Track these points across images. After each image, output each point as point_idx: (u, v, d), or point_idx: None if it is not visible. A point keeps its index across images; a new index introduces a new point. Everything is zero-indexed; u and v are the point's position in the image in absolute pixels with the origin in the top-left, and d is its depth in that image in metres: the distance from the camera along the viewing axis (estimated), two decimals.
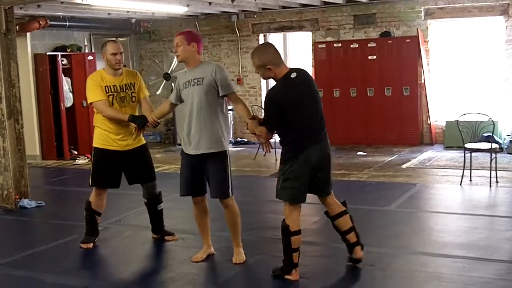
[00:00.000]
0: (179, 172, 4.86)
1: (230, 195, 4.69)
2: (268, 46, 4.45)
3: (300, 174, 4.21)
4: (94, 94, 5.11)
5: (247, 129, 4.53)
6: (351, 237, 4.51)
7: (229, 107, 4.67)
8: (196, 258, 4.87)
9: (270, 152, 4.43)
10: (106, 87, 5.11)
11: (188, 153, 4.69)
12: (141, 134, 5.19)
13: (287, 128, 4.24)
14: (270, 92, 4.31)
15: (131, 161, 5.27)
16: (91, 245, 5.38)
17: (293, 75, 4.25)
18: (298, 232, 4.28)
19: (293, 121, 4.20)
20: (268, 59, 4.24)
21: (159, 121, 5.06)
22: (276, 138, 4.48)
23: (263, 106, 4.45)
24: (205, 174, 4.69)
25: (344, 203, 4.56)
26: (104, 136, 5.19)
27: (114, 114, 5.09)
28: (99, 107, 5.11)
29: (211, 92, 4.57)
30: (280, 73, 4.25)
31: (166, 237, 5.49)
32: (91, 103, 5.19)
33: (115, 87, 5.14)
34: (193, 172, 4.70)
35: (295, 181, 4.21)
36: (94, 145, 5.29)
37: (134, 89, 5.23)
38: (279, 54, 4.32)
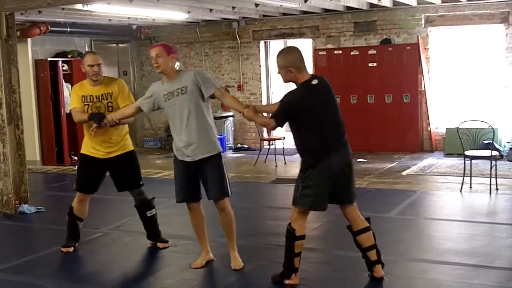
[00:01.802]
0: None
1: (230, 194, 4.74)
2: (294, 49, 4.41)
3: (320, 181, 4.17)
4: (72, 102, 5.36)
5: (244, 117, 4.46)
6: (372, 254, 4.40)
7: (226, 114, 4.70)
8: (196, 264, 4.87)
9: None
10: (83, 97, 5.24)
11: (183, 160, 4.71)
12: (97, 133, 5.12)
13: (307, 135, 4.22)
14: (291, 94, 4.27)
15: (114, 169, 5.34)
16: (71, 249, 5.47)
17: (315, 81, 4.25)
18: (302, 237, 4.28)
19: (314, 128, 4.19)
20: (291, 61, 4.22)
21: (117, 121, 5.05)
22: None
23: (278, 102, 4.35)
24: (201, 178, 4.72)
25: (368, 219, 4.45)
26: (87, 143, 5.35)
27: (79, 117, 5.23)
28: (72, 114, 5.33)
29: (196, 98, 4.62)
30: (302, 78, 4.24)
31: (158, 244, 5.49)
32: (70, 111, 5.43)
33: (91, 97, 5.24)
34: (189, 178, 4.73)
35: (316, 188, 4.18)
36: (80, 151, 5.46)
37: (111, 98, 5.25)
38: (304, 60, 4.30)
